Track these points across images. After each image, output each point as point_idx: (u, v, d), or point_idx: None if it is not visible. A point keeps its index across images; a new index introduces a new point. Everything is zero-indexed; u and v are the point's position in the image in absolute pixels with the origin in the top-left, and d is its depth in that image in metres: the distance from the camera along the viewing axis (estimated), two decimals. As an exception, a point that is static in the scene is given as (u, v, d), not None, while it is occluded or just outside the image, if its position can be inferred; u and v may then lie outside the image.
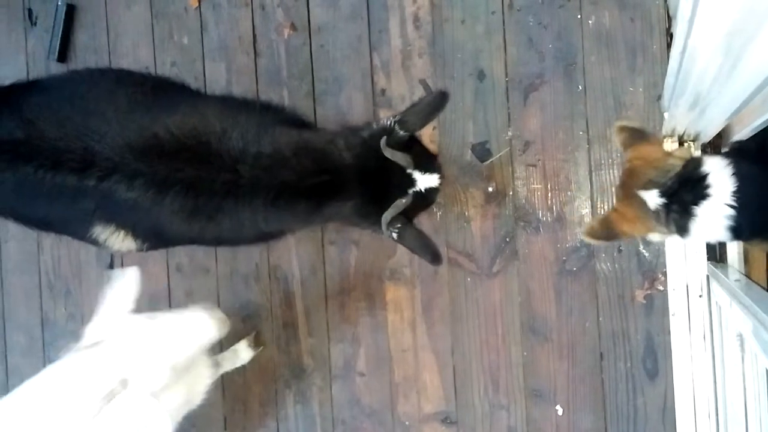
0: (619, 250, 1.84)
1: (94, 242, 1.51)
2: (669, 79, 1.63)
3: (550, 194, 1.90)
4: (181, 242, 1.74)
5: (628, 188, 1.37)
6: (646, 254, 1.83)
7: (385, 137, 1.39)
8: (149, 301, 2.18)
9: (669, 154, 1.37)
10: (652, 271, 1.82)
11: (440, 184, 1.48)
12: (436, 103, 1.41)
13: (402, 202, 1.41)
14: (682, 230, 1.30)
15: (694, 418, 1.77)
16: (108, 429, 1.43)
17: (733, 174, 1.22)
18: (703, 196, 1.24)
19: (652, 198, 1.30)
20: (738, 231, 1.25)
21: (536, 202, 1.91)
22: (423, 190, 1.44)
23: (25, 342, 2.34)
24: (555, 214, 1.89)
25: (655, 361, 1.82)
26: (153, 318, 1.41)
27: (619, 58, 1.84)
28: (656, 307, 1.82)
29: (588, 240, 1.43)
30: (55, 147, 1.37)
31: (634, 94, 1.83)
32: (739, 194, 1.21)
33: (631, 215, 1.36)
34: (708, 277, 1.75)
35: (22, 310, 2.36)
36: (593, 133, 1.86)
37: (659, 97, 1.80)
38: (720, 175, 1.23)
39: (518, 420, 1.92)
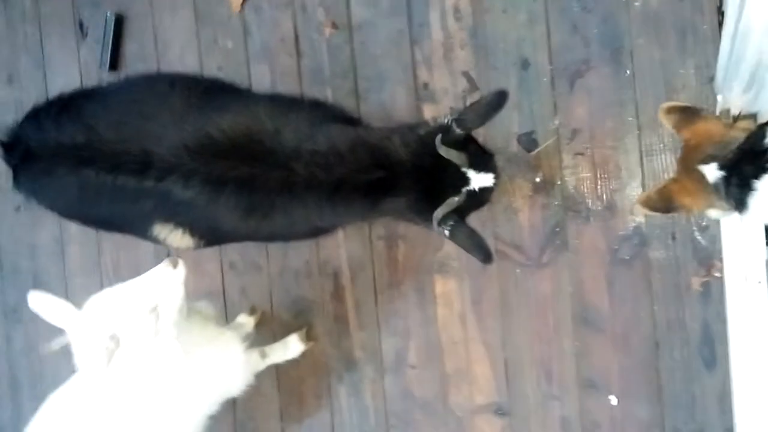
0: (673, 238, 1.80)
1: (155, 240, 1.59)
2: (721, 59, 1.59)
3: (599, 182, 1.87)
4: (236, 239, 1.79)
5: (687, 162, 1.33)
6: (702, 241, 1.78)
7: (440, 135, 1.41)
8: (205, 299, 2.25)
9: (731, 127, 1.32)
10: (709, 258, 1.78)
11: (495, 184, 1.48)
12: (495, 102, 1.41)
13: (455, 200, 1.43)
14: (741, 205, 1.26)
15: (753, 406, 1.73)
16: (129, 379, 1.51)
17: None
18: (765, 169, 1.20)
19: (711, 171, 1.27)
20: None
21: (585, 191, 1.88)
22: (477, 189, 1.45)
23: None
24: (605, 202, 1.86)
25: (712, 349, 1.78)
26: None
27: (668, 40, 1.79)
28: (713, 294, 1.77)
29: (642, 209, 1.41)
30: (115, 150, 1.44)
31: (685, 77, 1.78)
32: None
33: (691, 187, 1.32)
34: (767, 263, 1.70)
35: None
36: (643, 119, 1.82)
37: (712, 79, 1.75)
38: None
39: (572, 410, 1.91)
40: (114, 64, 2.35)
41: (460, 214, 1.45)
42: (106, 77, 2.35)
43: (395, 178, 1.45)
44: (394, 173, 1.45)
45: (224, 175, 1.41)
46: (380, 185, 1.45)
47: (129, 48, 2.36)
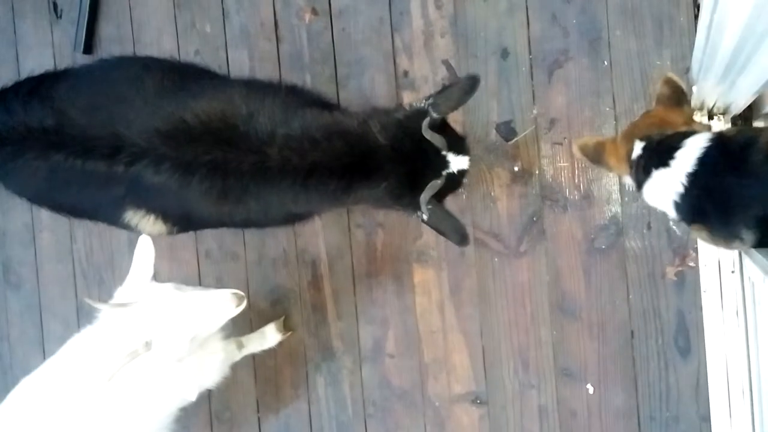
0: (649, 227, 1.82)
1: (126, 227, 1.55)
2: (697, 51, 1.60)
3: (577, 172, 1.88)
4: (210, 225, 1.77)
5: (633, 131, 1.43)
6: (677, 231, 1.80)
7: (427, 119, 1.41)
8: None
9: (691, 123, 1.39)
10: (683, 248, 1.80)
11: (469, 166, 1.50)
12: (467, 86, 1.44)
13: (437, 183, 1.43)
14: (639, 184, 1.38)
15: (727, 395, 1.76)
16: (131, 388, 1.50)
17: (699, 157, 1.25)
18: (665, 163, 1.29)
19: (638, 148, 1.37)
20: (681, 210, 1.30)
21: (563, 180, 1.89)
22: (455, 172, 1.47)
23: (62, 330, 2.40)
24: (582, 192, 1.88)
25: (687, 338, 1.80)
26: (180, 289, 1.45)
27: (645, 31, 1.81)
28: (687, 283, 1.79)
29: (575, 152, 1.53)
30: (85, 134, 1.40)
31: (662, 68, 1.80)
32: (693, 177, 1.25)
33: (621, 153, 1.43)
34: (740, 252, 1.72)
35: (57, 299, 2.42)
36: (620, 109, 1.83)
37: (687, 70, 1.77)
38: (688, 153, 1.27)
39: (549, 399, 1.92)
40: (89, 47, 2.30)
41: (437, 197, 1.45)
42: (81, 59, 2.30)
43: (374, 164, 1.44)
44: (373, 159, 1.44)
45: (196, 160, 1.39)
46: (357, 171, 1.44)
47: (104, 30, 2.32)
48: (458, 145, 1.47)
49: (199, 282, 2.23)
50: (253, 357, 2.12)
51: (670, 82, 1.44)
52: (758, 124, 1.70)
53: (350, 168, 1.43)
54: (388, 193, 1.47)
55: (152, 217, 1.51)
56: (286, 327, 2.13)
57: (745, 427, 1.73)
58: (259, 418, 2.20)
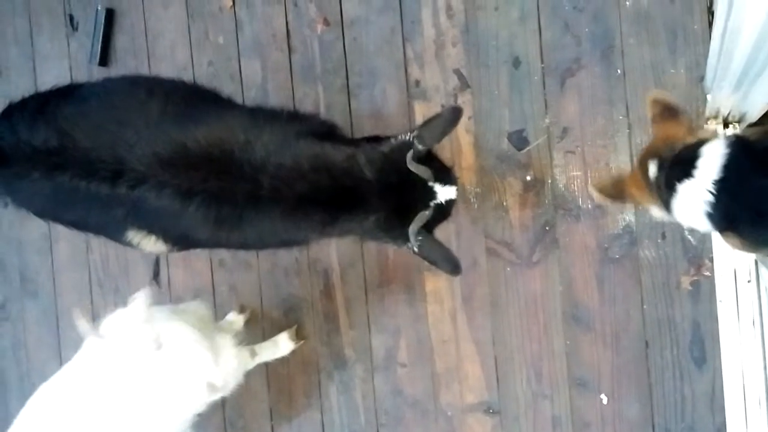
0: (663, 237, 1.81)
1: (129, 245, 1.58)
2: (711, 59, 1.59)
3: (590, 181, 1.87)
4: (209, 246, 1.81)
5: (645, 156, 1.39)
6: (692, 240, 1.79)
7: (411, 152, 1.43)
8: (193, 297, 2.24)
9: (691, 133, 1.35)
10: (699, 257, 1.78)
11: (457, 196, 1.52)
12: (449, 117, 1.46)
13: (426, 214, 1.44)
14: (667, 205, 1.32)
15: (743, 406, 1.74)
16: (147, 394, 1.52)
17: (724, 164, 1.21)
18: (688, 175, 1.24)
19: (652, 167, 1.33)
20: (714, 220, 1.25)
21: (576, 189, 1.88)
22: (443, 202, 1.47)
23: (78, 337, 2.42)
24: (595, 201, 1.86)
25: (702, 348, 1.78)
26: (159, 347, 1.46)
27: (658, 40, 1.79)
28: (703, 293, 1.78)
29: (595, 196, 1.48)
30: (88, 157, 1.43)
31: (676, 76, 1.78)
32: (721, 183, 1.20)
33: (639, 181, 1.39)
34: (756, 261, 1.70)
35: (74, 307, 2.44)
36: (633, 118, 1.82)
37: (702, 79, 1.75)
38: (711, 160, 1.22)
39: (562, 409, 1.91)
40: (104, 59, 2.34)
41: (427, 227, 1.47)
42: (97, 72, 2.34)
43: (360, 198, 1.46)
44: (359, 193, 1.45)
45: (194, 187, 1.41)
46: (342, 204, 1.46)
47: (120, 42, 2.35)
48: (445, 175, 1.49)
49: (213, 292, 2.24)
50: (266, 365, 2.13)
51: (656, 102, 1.42)
52: (774, 131, 1.68)
53: (335, 201, 1.45)
54: (377, 226, 1.48)
55: (153, 238, 1.54)
56: (298, 336, 2.14)
57: (761, 439, 1.71)
58: (272, 426, 2.21)
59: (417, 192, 1.46)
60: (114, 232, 1.58)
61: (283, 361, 2.12)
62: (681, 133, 1.35)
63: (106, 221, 1.53)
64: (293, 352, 2.10)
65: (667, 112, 1.40)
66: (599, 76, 1.84)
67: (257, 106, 1.87)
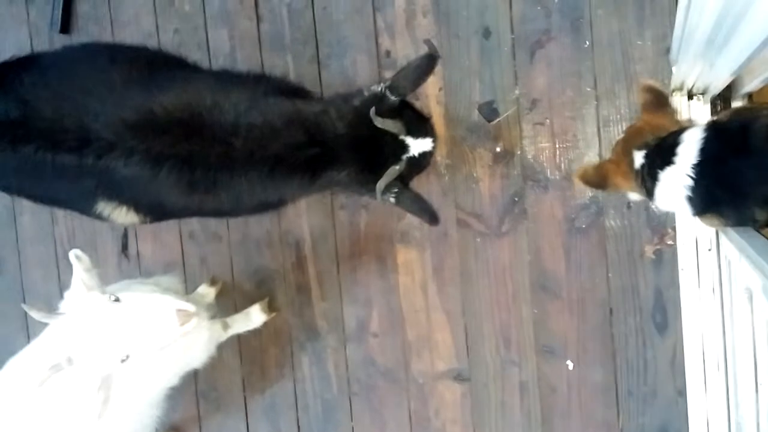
0: (629, 207, 1.84)
1: (99, 217, 1.54)
2: (677, 31, 1.60)
3: (558, 152, 1.89)
4: (182, 215, 1.77)
5: (628, 145, 1.41)
6: (656, 210, 1.83)
7: (374, 107, 1.40)
8: (164, 269, 2.22)
9: (678, 123, 1.39)
10: (662, 226, 1.82)
11: (434, 147, 1.49)
12: (424, 65, 1.41)
13: (395, 169, 1.43)
14: (650, 192, 1.36)
15: (703, 370, 1.80)
16: (52, 400, 1.49)
17: (700, 148, 1.25)
18: (669, 162, 1.29)
19: (639, 157, 1.37)
20: (694, 204, 1.30)
21: (544, 160, 1.90)
22: (416, 155, 1.46)
23: (45, 312, 2.39)
24: (563, 172, 1.89)
25: (664, 315, 1.84)
26: (116, 301, 1.38)
27: (626, 12, 1.81)
28: (665, 261, 1.82)
29: (578, 183, 1.50)
30: (52, 127, 1.39)
31: (643, 48, 1.80)
32: (699, 168, 1.25)
33: (624, 169, 1.42)
34: (717, 231, 1.75)
35: (40, 282, 2.41)
36: (601, 90, 1.84)
37: (668, 50, 1.77)
38: (689, 146, 1.27)
39: (530, 375, 1.95)
40: (66, 26, 2.26)
41: (403, 180, 1.46)
42: (58, 39, 2.26)
43: (334, 153, 1.44)
44: (332, 148, 1.44)
45: (164, 152, 1.38)
46: (319, 161, 1.44)
47: (81, 9, 2.28)
48: (419, 127, 1.46)
49: (183, 264, 2.23)
50: (239, 337, 2.13)
51: (650, 89, 1.44)
52: (736, 103, 1.72)
53: (312, 159, 1.43)
54: (351, 180, 1.47)
55: (124, 209, 1.50)
56: (270, 308, 2.14)
57: (719, 401, 1.78)
58: (245, 398, 2.22)
59: (387, 146, 1.44)
60: (83, 204, 1.53)
61: (255, 333, 2.12)
62: (667, 123, 1.38)
63: (74, 193, 1.49)
64: (265, 324, 2.11)
65: (657, 100, 1.43)
66: (568, 48, 1.85)
67: (223, 69, 1.83)
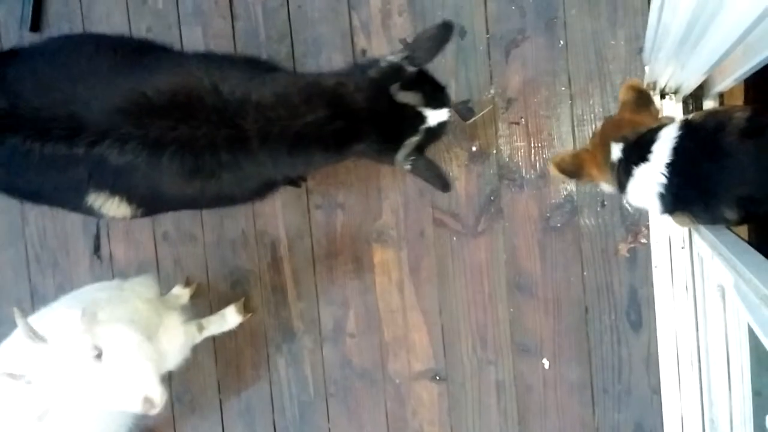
0: (603, 205, 1.85)
1: (89, 211, 1.49)
2: (650, 31, 1.62)
3: (533, 151, 1.90)
4: (177, 205, 1.71)
5: (606, 137, 1.42)
6: (629, 208, 1.84)
7: (396, 84, 1.40)
8: (137, 271, 2.19)
9: (657, 120, 1.40)
10: (635, 225, 1.84)
11: (450, 116, 1.50)
12: (441, 34, 1.40)
13: (414, 141, 1.44)
14: (622, 186, 1.38)
15: (677, 367, 1.81)
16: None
17: (674, 147, 1.26)
18: (644, 159, 1.30)
19: (617, 150, 1.38)
20: (665, 202, 1.31)
21: (520, 159, 1.91)
22: (434, 126, 1.46)
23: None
24: (539, 171, 1.90)
25: (638, 312, 1.85)
26: (98, 358, 1.37)
27: (600, 11, 1.82)
28: (639, 260, 1.84)
29: (553, 171, 1.50)
30: (41, 116, 1.35)
31: (616, 48, 1.82)
32: (672, 166, 1.26)
33: (600, 160, 1.43)
34: (690, 229, 1.77)
35: (10, 284, 2.36)
36: (575, 89, 1.85)
37: (641, 50, 1.79)
38: (664, 144, 1.28)
39: (506, 374, 1.96)
40: (36, 24, 2.23)
41: (419, 149, 1.47)
42: (28, 37, 2.22)
43: (356, 126, 1.43)
44: (354, 121, 1.42)
45: (164, 137, 1.33)
46: (342, 134, 1.42)
47: (52, 6, 2.24)
48: (436, 97, 1.46)
49: (157, 265, 2.20)
50: (214, 339, 2.11)
51: (634, 88, 1.45)
52: (708, 103, 1.74)
53: (335, 133, 1.41)
54: (370, 151, 1.48)
55: (116, 199, 1.45)
56: (246, 308, 2.12)
57: (693, 398, 1.79)
58: (220, 400, 2.20)
59: (406, 118, 1.44)
60: (73, 197, 1.47)
61: (230, 334, 2.10)
62: (648, 122, 1.39)
63: (64, 185, 1.44)
64: (241, 325, 2.09)
65: (640, 100, 1.44)
66: (543, 48, 1.86)
67: (210, 51, 1.78)
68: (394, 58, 1.42)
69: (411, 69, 1.41)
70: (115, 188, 1.43)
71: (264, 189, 1.64)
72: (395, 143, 1.45)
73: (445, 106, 1.47)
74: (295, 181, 1.53)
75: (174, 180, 1.40)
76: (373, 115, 1.42)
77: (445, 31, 1.40)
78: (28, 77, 1.42)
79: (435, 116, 1.45)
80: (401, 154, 1.44)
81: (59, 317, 1.44)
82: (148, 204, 1.53)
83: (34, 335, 1.34)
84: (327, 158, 1.49)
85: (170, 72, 1.42)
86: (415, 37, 1.44)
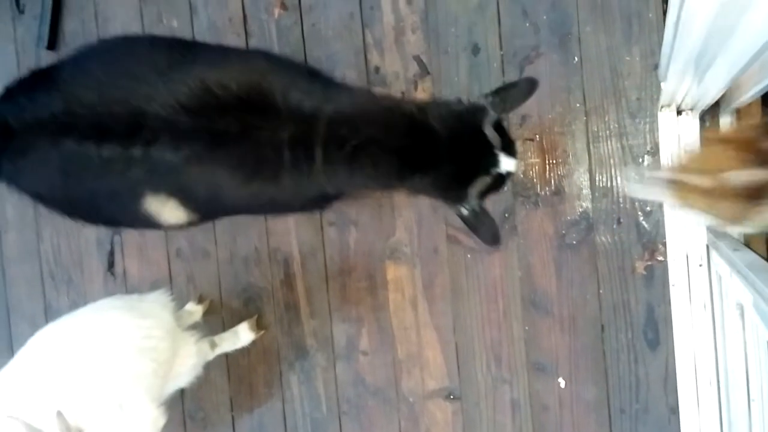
0: (619, 222, 1.84)
1: (145, 216, 1.43)
2: (665, 47, 1.61)
3: (548, 168, 1.89)
4: (232, 208, 1.63)
5: None
6: (646, 225, 1.82)
7: (489, 116, 1.39)
8: (151, 288, 2.19)
9: None
10: (652, 242, 1.82)
11: (516, 171, 1.49)
12: (526, 89, 1.42)
13: (486, 180, 1.41)
14: None
15: (695, 387, 1.78)
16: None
17: None
18: None
19: None
20: None
21: (534, 176, 1.90)
22: (503, 173, 1.43)
23: (30, 331, 2.34)
24: (553, 188, 1.88)
25: (656, 331, 1.83)
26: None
27: (614, 28, 1.81)
28: (656, 277, 1.81)
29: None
30: (98, 113, 1.29)
31: (631, 64, 1.81)
32: None
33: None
34: (708, 246, 1.75)
35: (25, 300, 2.37)
36: (590, 105, 1.84)
37: (656, 67, 1.78)
38: None
39: (521, 393, 1.93)
40: (53, 42, 2.25)
41: (481, 193, 1.44)
42: (45, 56, 2.25)
43: (428, 151, 1.39)
44: (428, 146, 1.39)
45: (227, 133, 1.29)
46: (411, 155, 1.39)
47: (68, 25, 2.27)
48: (510, 147, 1.44)
49: (170, 282, 2.20)
50: (227, 356, 2.10)
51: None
52: (725, 119, 1.72)
53: (405, 151, 1.38)
54: (436, 181, 1.44)
55: (173, 202, 1.39)
56: (259, 326, 2.12)
57: (712, 418, 1.76)
58: (233, 417, 2.19)
59: (483, 156, 1.41)
60: (129, 201, 1.41)
61: (243, 351, 2.09)
62: None
63: (120, 188, 1.37)
64: (254, 343, 2.08)
65: None
66: (557, 64, 1.86)
67: (271, 52, 1.71)
68: (480, 101, 1.42)
69: (494, 114, 1.39)
70: (171, 188, 1.37)
71: (319, 201, 1.59)
72: (465, 178, 1.41)
73: (516, 157, 1.46)
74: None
75: (233, 180, 1.35)
76: (452, 145, 1.39)
77: (530, 86, 1.41)
78: (83, 76, 1.36)
79: (507, 163, 1.42)
80: (474, 190, 1.41)
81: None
82: (204, 208, 1.47)
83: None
84: (388, 176, 1.43)
85: (236, 67, 1.36)
86: (498, 87, 1.43)
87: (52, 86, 1.35)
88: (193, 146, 1.29)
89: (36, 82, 1.40)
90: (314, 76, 1.47)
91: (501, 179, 1.45)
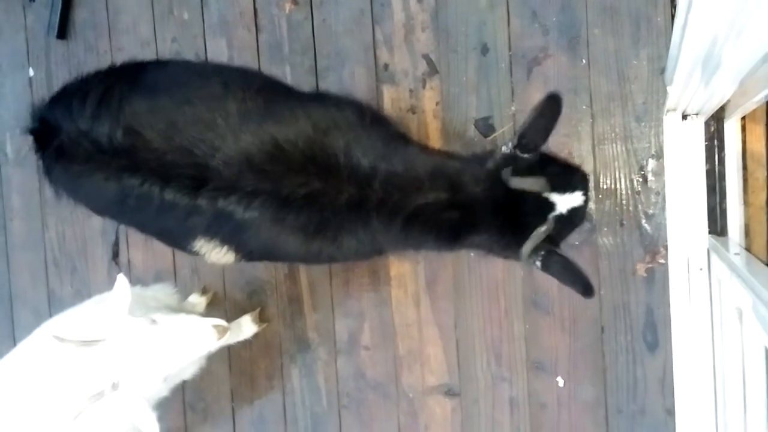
0: (621, 224, 1.85)
1: (190, 252, 1.44)
2: (672, 51, 1.62)
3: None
4: (286, 258, 1.66)
5: None
6: (648, 228, 1.84)
7: (508, 168, 1.31)
8: (155, 279, 2.21)
9: None
10: (654, 245, 1.83)
11: (586, 201, 1.36)
12: (549, 110, 1.27)
13: (541, 231, 1.31)
14: None
15: (692, 389, 1.80)
16: (92, 428, 1.47)
17: None
18: None
19: None
20: None
21: (539, 176, 1.91)
22: (565, 212, 1.33)
23: (33, 319, 2.37)
24: (557, 188, 1.89)
25: (655, 333, 1.84)
26: (155, 323, 1.39)
27: (622, 31, 1.83)
28: (657, 280, 1.83)
29: None
30: (164, 160, 1.28)
31: (638, 67, 1.82)
32: None
33: None
34: (709, 250, 1.76)
35: (28, 288, 2.38)
36: (597, 108, 1.86)
37: (663, 70, 1.79)
38: None
39: (520, 391, 1.95)
40: (63, 32, 2.27)
41: (553, 241, 1.33)
42: (54, 45, 2.26)
43: (473, 217, 1.35)
44: (471, 212, 1.35)
45: (294, 193, 1.28)
46: (457, 223, 1.35)
47: (79, 15, 2.28)
48: (565, 180, 1.33)
49: (174, 274, 2.21)
50: (228, 348, 2.12)
51: None
52: (730, 124, 1.74)
53: (452, 220, 1.34)
54: (493, 244, 1.39)
55: (225, 249, 1.39)
56: (261, 318, 2.13)
57: (708, 421, 1.78)
58: (233, 409, 2.20)
59: (529, 207, 1.32)
60: (179, 239, 1.42)
61: (245, 343, 2.11)
62: None
63: (175, 229, 1.38)
64: (256, 335, 2.10)
65: None
66: (565, 66, 1.87)
67: (339, 98, 1.61)
68: (506, 149, 1.32)
69: (526, 156, 1.30)
70: (225, 238, 1.37)
71: (373, 255, 1.58)
72: (519, 235, 1.32)
73: (577, 189, 1.33)
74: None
75: (295, 238, 1.35)
76: (491, 205, 1.33)
77: (554, 105, 1.26)
78: (152, 112, 1.33)
79: (564, 201, 1.31)
80: (527, 247, 1.31)
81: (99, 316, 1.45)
82: (255, 255, 1.47)
83: (87, 342, 1.35)
84: (440, 244, 1.41)
85: (304, 124, 1.34)
86: (524, 120, 1.30)
87: (117, 114, 1.32)
88: (260, 205, 1.28)
89: (101, 100, 1.36)
90: (376, 123, 1.43)
91: (567, 218, 1.33)
